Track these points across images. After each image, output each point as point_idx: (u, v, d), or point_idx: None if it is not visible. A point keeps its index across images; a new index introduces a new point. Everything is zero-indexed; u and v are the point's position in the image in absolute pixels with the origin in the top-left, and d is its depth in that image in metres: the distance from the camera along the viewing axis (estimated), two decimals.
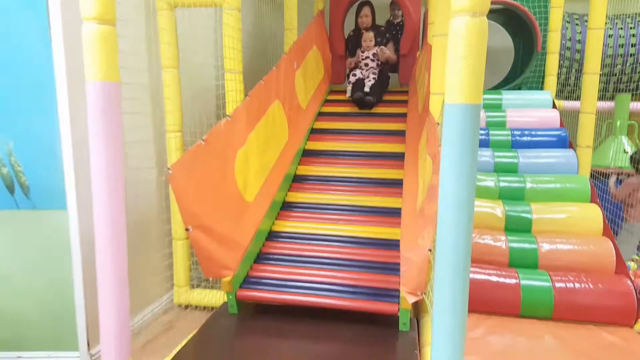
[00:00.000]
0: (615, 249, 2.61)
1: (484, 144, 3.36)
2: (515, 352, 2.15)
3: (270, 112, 2.74)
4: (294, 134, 3.15)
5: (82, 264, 2.00)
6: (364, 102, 3.58)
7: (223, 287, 2.07)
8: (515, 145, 3.39)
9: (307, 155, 3.20)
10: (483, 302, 2.39)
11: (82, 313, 2.03)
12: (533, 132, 3.42)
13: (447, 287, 1.27)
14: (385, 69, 3.94)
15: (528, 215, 2.83)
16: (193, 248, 1.88)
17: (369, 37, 3.78)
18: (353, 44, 4.04)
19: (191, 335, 1.97)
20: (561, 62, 4.07)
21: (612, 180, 3.63)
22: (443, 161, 1.24)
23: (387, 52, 3.80)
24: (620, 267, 2.57)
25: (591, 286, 2.41)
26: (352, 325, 2.07)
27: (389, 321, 2.09)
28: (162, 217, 2.53)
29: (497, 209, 2.88)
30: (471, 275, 2.41)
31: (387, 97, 3.81)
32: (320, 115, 3.64)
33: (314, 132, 3.42)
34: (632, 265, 3.30)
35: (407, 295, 1.94)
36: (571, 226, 2.79)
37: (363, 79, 3.74)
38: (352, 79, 3.78)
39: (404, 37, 4.09)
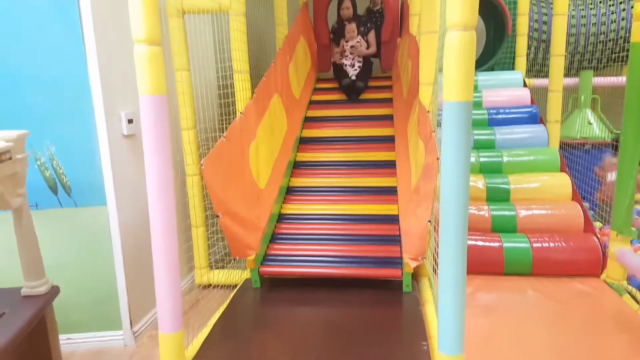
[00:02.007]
0: (583, 211, 2.98)
1: None
2: (501, 305, 2.49)
3: (272, 105, 2.97)
4: (292, 123, 3.39)
5: (123, 253, 2.24)
6: (354, 88, 3.81)
7: (248, 264, 2.35)
8: (492, 123, 3.71)
9: (304, 142, 3.45)
10: (471, 264, 2.67)
11: (124, 296, 2.27)
12: (507, 110, 3.74)
13: (451, 249, 1.58)
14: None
15: (506, 186, 3.17)
16: (223, 232, 2.13)
17: (352, 28, 3.97)
18: (337, 34, 4.22)
19: (223, 307, 2.24)
20: (529, 42, 4.39)
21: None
22: (444, 148, 1.52)
23: (363, 47, 4.00)
24: (588, 227, 2.94)
25: (563, 244, 2.77)
26: (362, 290, 2.37)
27: (393, 285, 2.40)
28: (180, 209, 2.77)
29: (479, 182, 3.21)
30: None
31: (371, 83, 4.06)
32: (312, 103, 3.88)
33: (308, 120, 3.66)
34: (597, 224, 3.71)
35: (410, 261, 2.25)
36: (544, 193, 3.14)
37: (350, 67, 3.97)
38: (339, 67, 4.01)
39: (384, 25, 4.32)
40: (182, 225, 2.73)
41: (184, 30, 2.49)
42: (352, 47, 3.95)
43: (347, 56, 4.01)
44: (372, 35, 4.15)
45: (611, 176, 3.89)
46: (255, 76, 2.86)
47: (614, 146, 3.99)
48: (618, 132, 3.95)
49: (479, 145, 3.54)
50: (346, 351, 1.91)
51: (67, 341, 1.99)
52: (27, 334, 1.64)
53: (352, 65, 3.95)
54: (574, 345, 2.07)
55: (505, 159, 3.36)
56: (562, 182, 3.16)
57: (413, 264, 2.26)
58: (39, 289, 1.79)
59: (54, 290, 1.84)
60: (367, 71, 4.02)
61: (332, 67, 4.25)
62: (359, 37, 3.97)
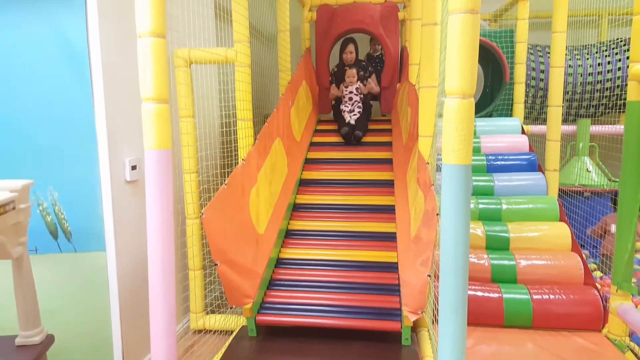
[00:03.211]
0: (583, 262, 2.97)
1: None
2: (502, 358, 2.45)
3: (273, 149, 3.01)
4: (292, 166, 3.42)
5: (119, 298, 2.22)
6: (352, 137, 3.85)
7: (244, 313, 2.32)
8: (490, 169, 3.75)
9: (304, 184, 3.47)
10: (470, 315, 2.66)
11: (118, 342, 2.24)
12: (506, 157, 3.79)
13: (451, 305, 1.57)
14: (368, 98, 4.24)
15: (505, 234, 3.17)
16: (220, 280, 2.12)
17: (352, 73, 4.04)
18: (337, 77, 4.29)
19: (219, 356, 2.21)
20: (527, 90, 4.49)
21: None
22: (443, 209, 1.54)
23: (372, 83, 4.18)
24: (588, 279, 2.92)
25: (564, 297, 2.75)
26: (360, 342, 2.34)
27: (392, 337, 2.37)
28: (177, 252, 2.76)
29: (478, 229, 3.21)
30: None
31: (371, 126, 4.12)
32: (313, 145, 3.93)
33: (309, 162, 3.70)
34: (597, 273, 3.69)
35: (409, 314, 2.22)
36: (544, 243, 3.14)
37: (349, 113, 4.01)
38: (339, 113, 4.06)
39: (384, 71, 4.44)
40: (179, 268, 2.71)
41: (190, 80, 2.56)
42: (356, 88, 4.05)
43: (345, 102, 4.07)
44: (373, 78, 4.28)
45: (614, 228, 3.89)
46: (258, 118, 2.91)
47: (613, 200, 4.02)
48: (616, 180, 3.99)
49: (478, 192, 3.57)
50: None
51: None
52: None
53: (352, 111, 4.02)
54: None
55: (504, 206, 3.38)
56: (562, 233, 3.16)
57: (412, 318, 2.23)
58: (34, 338, 1.77)
59: (49, 340, 1.82)
60: (366, 118, 4.06)
61: (331, 109, 4.34)
62: (358, 83, 4.07)
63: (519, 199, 3.43)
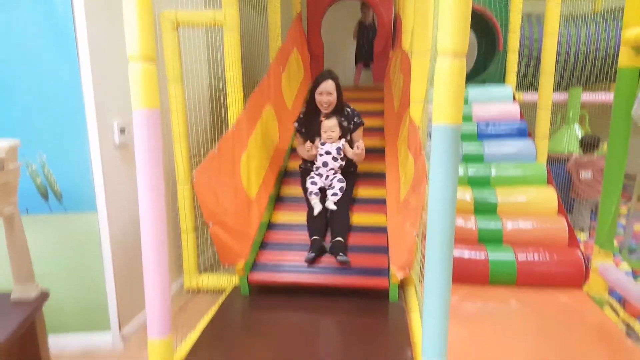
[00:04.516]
0: (568, 225, 3.04)
1: None
2: (485, 315, 2.54)
3: (264, 115, 3.02)
4: (284, 133, 3.44)
5: (112, 257, 2.27)
6: (332, 250, 2.52)
7: (237, 272, 2.39)
8: (481, 136, 3.79)
9: (295, 152, 3.49)
10: (457, 274, 2.74)
11: (113, 299, 2.30)
12: (496, 125, 3.83)
13: (437, 264, 1.62)
14: (352, 166, 2.96)
15: (493, 199, 3.24)
16: (213, 241, 2.18)
17: (331, 125, 2.73)
18: (307, 124, 2.90)
19: (212, 312, 2.28)
20: (520, 58, 4.49)
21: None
22: (432, 169, 1.57)
23: (359, 145, 2.76)
24: (572, 240, 3.00)
25: (548, 257, 2.84)
26: (349, 298, 2.42)
27: (380, 294, 2.45)
28: (170, 215, 2.81)
29: (466, 195, 3.27)
30: None
31: (364, 95, 4.11)
32: None
33: None
34: (582, 236, 3.79)
35: (397, 272, 2.29)
36: (531, 206, 3.21)
37: (324, 188, 2.79)
38: (311, 188, 2.78)
39: (377, 37, 4.40)
40: (172, 230, 2.77)
41: (178, 43, 2.55)
42: (338, 148, 2.77)
43: (318, 169, 2.81)
44: (359, 133, 2.92)
45: (585, 174, 4.02)
46: (248, 85, 2.91)
47: (582, 145, 4.11)
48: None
49: (468, 158, 3.61)
50: (332, 357, 1.95)
51: (56, 342, 2.02)
52: (17, 338, 1.67)
53: (330, 185, 2.78)
54: (554, 355, 2.12)
55: (493, 172, 3.43)
56: (549, 197, 3.23)
57: (400, 275, 2.30)
58: (29, 294, 1.82)
59: (44, 295, 1.87)
60: (348, 200, 2.82)
61: (300, 173, 3.01)
62: (342, 141, 2.78)
63: (508, 165, 3.48)
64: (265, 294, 2.49)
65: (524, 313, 2.55)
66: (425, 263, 1.68)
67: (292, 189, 3.15)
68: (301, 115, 2.96)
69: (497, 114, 3.94)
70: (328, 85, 2.76)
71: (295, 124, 2.95)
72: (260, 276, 2.47)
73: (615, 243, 2.77)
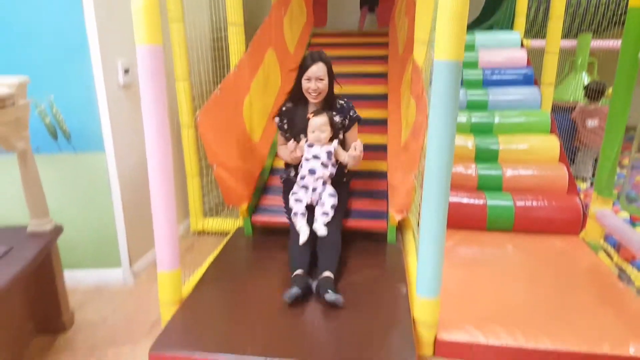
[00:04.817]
0: (568, 172, 3.08)
1: None
2: (481, 258, 2.63)
3: (266, 59, 2.99)
4: (286, 78, 3.41)
5: (121, 196, 2.35)
6: (318, 290, 1.92)
7: (241, 213, 2.46)
8: (486, 83, 3.75)
9: None
10: (455, 220, 2.81)
11: (123, 236, 2.41)
12: (502, 71, 3.77)
13: (434, 199, 1.68)
14: (345, 173, 2.44)
15: (495, 147, 3.25)
16: (217, 182, 2.23)
17: (320, 123, 2.19)
18: (290, 122, 2.39)
19: (217, 251, 2.38)
20: (530, 3, 4.35)
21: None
22: (432, 105, 1.59)
23: (356, 147, 2.16)
24: (572, 188, 3.05)
25: (546, 203, 2.89)
26: (349, 240, 2.49)
27: (379, 236, 2.53)
28: (174, 160, 2.86)
29: (468, 142, 3.29)
30: None
31: (368, 40, 4.03)
32: None
33: None
34: (582, 185, 3.83)
35: (395, 214, 2.36)
36: (532, 154, 3.23)
37: (312, 206, 2.21)
38: (296, 207, 2.19)
39: None
40: (177, 175, 2.82)
41: None
42: (328, 152, 2.22)
43: (304, 178, 2.25)
44: (354, 132, 2.40)
45: (591, 122, 4.02)
46: (250, 29, 2.87)
47: (587, 91, 4.08)
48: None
49: (472, 106, 3.60)
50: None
51: (70, 277, 2.13)
52: (35, 266, 1.77)
53: (319, 201, 2.21)
54: (547, 295, 2.21)
55: (496, 119, 3.43)
56: (551, 145, 3.24)
57: (398, 217, 2.37)
58: (44, 227, 1.91)
59: (58, 229, 1.96)
60: (340, 218, 2.29)
61: (282, 183, 2.51)
62: (334, 142, 2.25)
63: (512, 113, 3.47)
64: (267, 235, 2.58)
65: (520, 257, 2.63)
66: (422, 200, 1.74)
67: None
68: (283, 108, 2.41)
69: (504, 60, 3.87)
70: (318, 69, 2.23)
71: (276, 119, 2.42)
72: (263, 218, 2.55)
73: (615, 192, 2.81)
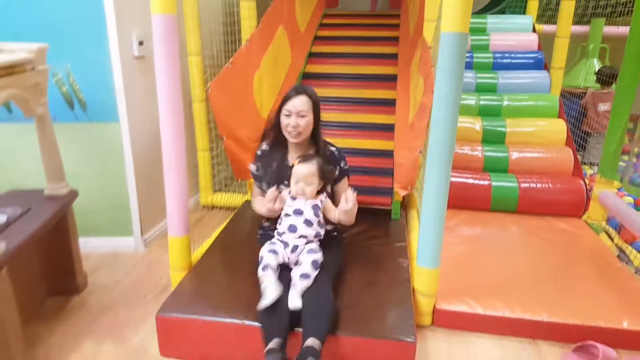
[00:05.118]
0: (574, 156, 3.09)
1: (468, 65, 3.71)
2: (483, 237, 2.67)
3: (276, 37, 3.02)
4: (296, 57, 3.44)
5: (134, 167, 2.42)
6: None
7: (249, 187, 2.52)
8: (496, 67, 3.75)
9: (307, 78, 3.51)
10: (459, 200, 2.88)
11: (135, 206, 2.49)
12: (513, 55, 3.77)
13: (436, 169, 1.74)
14: (335, 229, 2.02)
15: (502, 129, 3.27)
16: (226, 154, 2.29)
17: (306, 173, 1.78)
18: (269, 168, 1.98)
19: (225, 223, 2.45)
20: None
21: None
22: (438, 76, 1.63)
23: (350, 200, 1.77)
24: (577, 171, 3.07)
25: (550, 185, 2.92)
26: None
27: (383, 212, 2.58)
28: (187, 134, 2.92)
29: (476, 124, 3.31)
30: (451, 179, 2.91)
31: (379, 21, 4.02)
32: (317, 39, 3.89)
33: (313, 56, 3.70)
34: (589, 170, 3.84)
35: (400, 190, 2.40)
36: (539, 137, 3.25)
37: (288, 267, 1.76)
38: (267, 258, 1.72)
39: None
40: (187, 151, 2.89)
41: None
42: (314, 206, 1.81)
43: (283, 234, 1.81)
44: (344, 184, 2.02)
45: (602, 106, 4.01)
46: (262, 6, 2.89)
47: (599, 76, 4.06)
48: None
49: (481, 89, 3.61)
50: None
51: (84, 243, 2.21)
52: (51, 227, 1.85)
53: (298, 262, 1.75)
54: (547, 272, 2.26)
55: (505, 102, 3.44)
56: (558, 128, 3.25)
57: (402, 193, 2.42)
58: (60, 190, 1.98)
59: (73, 193, 2.04)
60: (333, 264, 1.85)
61: (258, 237, 2.05)
62: (322, 196, 1.85)
63: (521, 96, 3.48)
64: None
65: (522, 236, 2.67)
66: (425, 169, 1.79)
67: None
68: (259, 152, 2.02)
69: (515, 44, 3.87)
70: (301, 102, 1.85)
71: (251, 167, 2.04)
72: None
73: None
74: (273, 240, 1.82)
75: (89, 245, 2.44)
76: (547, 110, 3.40)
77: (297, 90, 1.90)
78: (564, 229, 2.76)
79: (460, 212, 2.91)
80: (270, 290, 1.58)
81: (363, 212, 2.59)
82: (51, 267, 2.04)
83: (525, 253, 2.48)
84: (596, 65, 4.34)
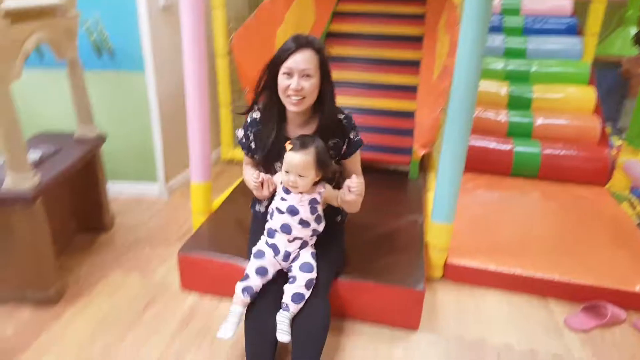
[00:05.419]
0: (600, 124, 3.02)
1: (497, 29, 3.61)
2: (501, 200, 2.67)
3: None
4: (320, 15, 3.41)
5: (159, 115, 2.49)
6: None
7: None
8: (527, 31, 3.63)
9: (332, 37, 3.47)
10: (479, 164, 2.87)
11: (160, 153, 2.57)
12: (545, 19, 3.64)
13: (456, 123, 1.74)
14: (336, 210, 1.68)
15: (529, 95, 3.20)
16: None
17: (297, 164, 1.42)
18: (258, 138, 1.61)
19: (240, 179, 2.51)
20: None
21: None
22: (462, 29, 1.61)
23: (353, 187, 1.46)
24: (603, 140, 3.00)
25: (574, 152, 2.87)
26: (372, 175, 2.56)
27: (402, 172, 2.60)
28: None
29: (502, 89, 3.25)
30: (472, 143, 2.90)
31: None
32: None
33: (337, 15, 3.63)
34: (617, 142, 3.74)
35: (419, 149, 2.41)
36: (567, 104, 3.16)
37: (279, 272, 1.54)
38: (253, 262, 1.51)
39: None
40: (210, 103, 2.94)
41: None
42: (312, 200, 1.49)
43: (274, 233, 1.52)
44: (355, 162, 1.69)
45: None
46: None
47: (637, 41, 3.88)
48: None
49: (510, 53, 3.51)
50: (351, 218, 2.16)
51: (110, 187, 2.32)
52: (80, 167, 1.94)
53: (289, 270, 1.53)
54: (563, 235, 2.26)
55: (534, 68, 3.35)
56: (587, 96, 3.16)
57: (421, 152, 2.42)
58: (89, 133, 2.07)
59: (102, 136, 2.12)
60: (331, 269, 1.63)
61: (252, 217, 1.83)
62: (320, 189, 1.50)
63: (550, 62, 3.38)
64: None
65: (541, 201, 2.65)
66: (446, 125, 1.79)
67: None
68: (248, 120, 1.63)
69: (548, 8, 3.73)
70: (305, 59, 1.45)
71: (238, 134, 1.67)
72: None
73: None
74: (261, 245, 1.54)
75: (115, 189, 2.55)
76: (577, 77, 3.29)
77: (300, 42, 1.45)
78: (586, 196, 2.73)
79: (480, 176, 2.90)
80: (226, 328, 1.40)
81: (381, 172, 2.64)
82: (81, 206, 2.16)
83: (543, 217, 2.48)
84: (633, 33, 4.15)
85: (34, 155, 1.78)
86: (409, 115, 2.84)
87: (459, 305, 1.86)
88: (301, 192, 1.46)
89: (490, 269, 1.97)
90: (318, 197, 1.50)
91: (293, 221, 1.47)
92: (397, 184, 2.53)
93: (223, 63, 2.85)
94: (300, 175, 1.42)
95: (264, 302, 1.46)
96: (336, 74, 3.05)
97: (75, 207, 2.15)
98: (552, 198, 2.68)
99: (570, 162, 2.86)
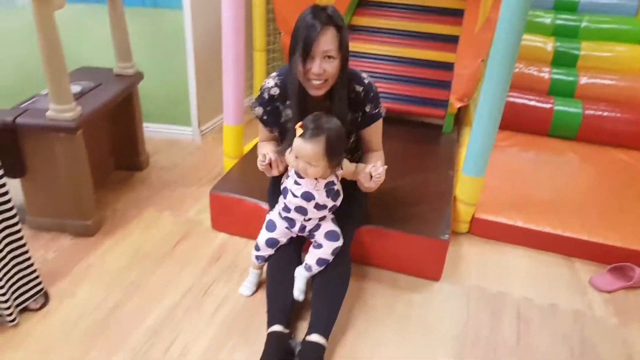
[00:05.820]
0: None
1: None
2: (536, 158, 2.60)
3: None
4: None
5: (195, 57, 2.50)
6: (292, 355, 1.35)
7: None
8: None
9: (362, 6, 3.28)
10: (516, 122, 2.79)
11: (194, 97, 2.60)
12: None
13: (494, 82, 1.68)
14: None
15: (576, 52, 3.04)
16: (283, 50, 2.30)
17: (306, 152, 1.30)
18: (275, 116, 1.53)
19: None
20: None
21: None
22: None
23: (376, 173, 1.37)
24: None
25: (617, 114, 2.74)
26: (406, 127, 2.55)
27: (436, 126, 2.56)
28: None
29: (547, 45, 3.09)
30: (511, 99, 2.79)
31: None
32: None
33: None
34: None
35: (455, 102, 2.36)
36: (615, 64, 3.00)
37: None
38: (262, 253, 1.55)
39: None
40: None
41: None
42: (329, 183, 1.40)
43: (288, 212, 1.47)
44: (376, 130, 1.56)
45: None
46: None
47: None
48: None
49: (560, 7, 3.32)
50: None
51: (145, 128, 2.37)
52: (118, 102, 1.99)
53: (310, 236, 1.52)
54: (597, 197, 2.21)
55: (584, 24, 3.16)
56: (638, 56, 2.98)
57: (458, 104, 2.37)
58: (128, 70, 2.11)
59: (139, 74, 2.16)
60: (351, 232, 1.59)
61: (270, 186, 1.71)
62: (340, 172, 1.43)
63: (602, 18, 3.18)
64: None
65: (578, 162, 2.58)
66: (485, 77, 1.74)
67: (366, 20, 3.11)
68: (265, 95, 1.50)
69: None
70: (327, 39, 1.29)
71: (256, 109, 1.55)
72: None
73: None
74: (274, 216, 1.52)
75: (149, 130, 2.61)
76: (630, 36, 3.09)
77: (320, 19, 1.27)
78: (625, 160, 2.64)
79: (516, 134, 2.82)
80: (245, 287, 1.59)
81: (415, 124, 2.60)
82: (118, 143, 2.23)
83: (577, 178, 2.42)
84: None
85: (75, 88, 1.83)
86: (448, 67, 2.76)
87: (483, 258, 1.87)
88: (316, 178, 1.37)
89: (517, 224, 1.96)
90: (335, 179, 1.42)
91: (309, 205, 1.41)
92: (430, 137, 2.49)
93: (260, 4, 2.79)
94: (310, 165, 1.32)
95: (285, 253, 1.53)
96: (377, 22, 3.02)
97: (113, 144, 2.23)
98: (589, 160, 2.61)
99: (612, 125, 2.75)
